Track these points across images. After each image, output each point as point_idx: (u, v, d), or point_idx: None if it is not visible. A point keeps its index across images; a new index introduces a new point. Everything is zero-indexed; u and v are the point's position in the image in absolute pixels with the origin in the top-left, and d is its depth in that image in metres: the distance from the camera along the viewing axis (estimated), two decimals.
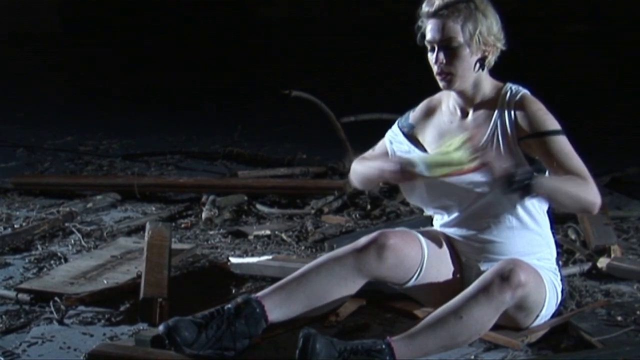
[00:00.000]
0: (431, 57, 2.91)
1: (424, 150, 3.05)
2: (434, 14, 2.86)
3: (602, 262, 3.58)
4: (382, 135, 3.23)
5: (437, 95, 3.10)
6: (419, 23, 2.93)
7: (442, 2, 2.86)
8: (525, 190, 2.74)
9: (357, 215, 4.43)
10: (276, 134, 6.49)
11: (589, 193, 2.81)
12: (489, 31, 2.87)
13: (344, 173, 5.10)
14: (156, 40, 11.91)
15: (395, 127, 3.16)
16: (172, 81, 9.06)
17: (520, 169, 2.75)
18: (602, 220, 3.92)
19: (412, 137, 3.10)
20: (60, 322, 3.16)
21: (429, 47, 2.91)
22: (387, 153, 3.15)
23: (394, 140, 3.13)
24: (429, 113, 3.09)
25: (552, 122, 2.88)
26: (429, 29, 2.88)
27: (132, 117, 7.25)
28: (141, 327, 3.09)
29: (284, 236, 4.10)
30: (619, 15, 11.96)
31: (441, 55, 2.87)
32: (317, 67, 9.68)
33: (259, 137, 6.34)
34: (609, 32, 11.49)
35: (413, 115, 3.13)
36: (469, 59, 2.88)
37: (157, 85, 8.81)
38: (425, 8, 2.89)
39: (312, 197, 4.69)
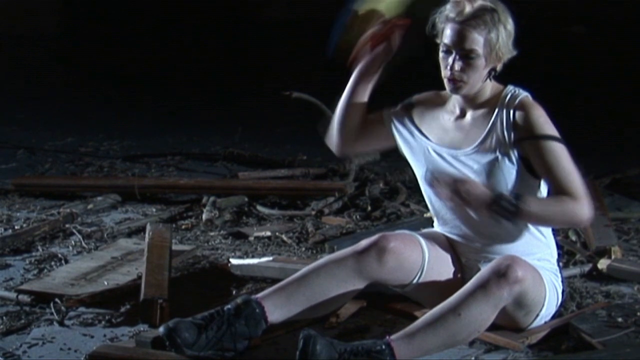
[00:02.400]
0: (445, 58, 2.88)
1: (423, 133, 3.05)
2: (461, 22, 2.83)
3: (603, 264, 3.58)
4: None
5: (444, 91, 3.09)
6: (437, 20, 2.90)
7: (471, 10, 2.82)
8: (510, 217, 2.80)
9: (358, 217, 4.43)
10: (277, 135, 6.49)
11: (577, 213, 2.83)
12: (506, 44, 2.86)
13: (345, 174, 5.10)
14: (157, 42, 11.90)
15: (398, 104, 3.15)
16: (172, 82, 9.06)
17: (504, 196, 2.80)
18: (602, 222, 3.92)
19: (410, 115, 3.10)
20: (61, 324, 3.16)
21: (443, 49, 2.88)
22: (376, 117, 3.15)
23: (393, 111, 3.12)
24: (433, 102, 3.07)
25: (551, 129, 2.88)
26: (450, 33, 2.84)
27: (132, 119, 7.24)
28: (142, 329, 3.09)
29: (284, 237, 4.10)
30: (619, 17, 11.95)
31: (457, 64, 2.85)
32: (317, 68, 9.67)
33: (260, 138, 6.33)
34: (609, 34, 11.48)
35: (417, 97, 3.11)
36: (482, 69, 2.87)
37: (158, 87, 8.81)
38: (450, 13, 2.85)
39: (312, 199, 4.69)
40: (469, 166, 2.93)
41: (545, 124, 2.88)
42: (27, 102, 8.07)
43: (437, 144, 3.01)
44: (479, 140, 2.92)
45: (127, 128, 6.76)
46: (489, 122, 2.93)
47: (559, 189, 2.85)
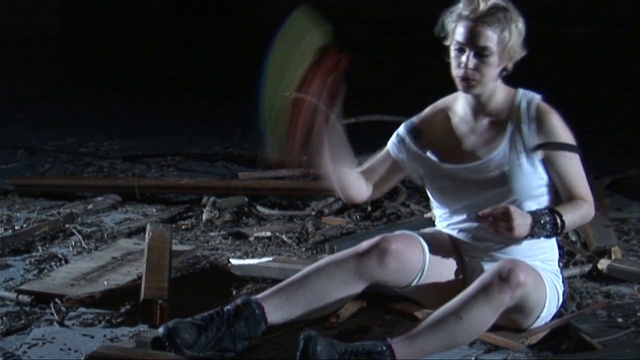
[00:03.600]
0: (457, 57, 2.87)
1: (437, 154, 3.03)
2: (476, 20, 2.83)
3: (603, 264, 3.58)
4: (383, 137, 3.22)
5: (440, 102, 3.08)
6: (447, 20, 2.90)
7: (485, 8, 2.82)
8: (550, 236, 2.90)
9: (358, 217, 4.42)
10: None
11: (591, 213, 2.95)
12: (517, 43, 2.87)
13: None
14: (157, 43, 11.92)
15: (402, 130, 3.12)
16: (172, 83, 9.06)
17: (541, 216, 2.83)
18: (603, 222, 3.92)
19: (420, 143, 3.08)
20: (61, 324, 3.16)
21: (456, 47, 2.87)
22: (385, 158, 3.14)
23: (398, 143, 3.11)
24: (437, 119, 3.06)
25: (567, 135, 2.92)
26: (463, 31, 2.84)
27: (132, 119, 7.24)
28: (142, 329, 3.09)
29: (284, 238, 4.10)
30: (619, 18, 11.95)
31: (471, 61, 2.84)
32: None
33: (260, 139, 6.32)
34: (610, 35, 11.49)
35: (419, 122, 3.09)
36: (495, 68, 2.87)
37: (158, 87, 8.81)
38: (464, 11, 2.85)
39: (312, 199, 4.68)
40: (492, 174, 2.93)
41: (562, 129, 2.91)
42: (28, 102, 8.07)
43: (454, 162, 2.99)
44: (500, 148, 2.92)
45: (128, 128, 6.76)
46: (507, 128, 2.93)
47: (573, 193, 2.93)
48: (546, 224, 2.83)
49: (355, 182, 3.09)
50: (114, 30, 12.58)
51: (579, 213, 2.90)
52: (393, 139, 3.14)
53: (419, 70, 9.04)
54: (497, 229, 2.80)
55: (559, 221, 2.84)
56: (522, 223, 2.80)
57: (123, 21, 12.91)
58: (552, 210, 2.87)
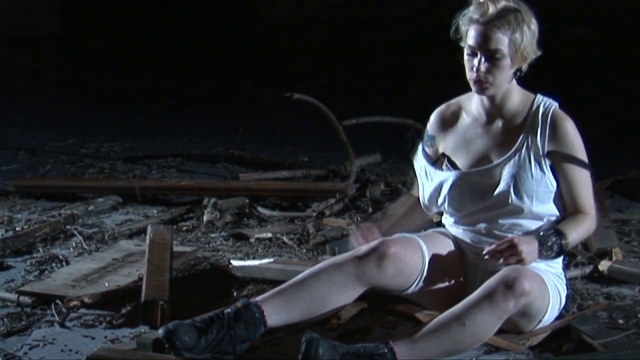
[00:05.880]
0: (469, 60, 2.88)
1: (451, 165, 3.02)
2: (485, 23, 2.83)
3: (604, 265, 3.58)
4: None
5: (454, 100, 3.08)
6: (460, 23, 2.91)
7: (495, 11, 2.83)
8: (558, 256, 2.95)
9: (359, 218, 4.42)
10: (278, 136, 6.48)
11: (592, 228, 2.99)
12: (530, 44, 2.87)
13: (345, 176, 5.10)
14: (158, 43, 11.90)
15: (419, 151, 3.13)
16: (173, 84, 9.06)
17: (547, 238, 2.87)
18: (603, 223, 3.92)
19: (435, 154, 3.08)
20: (62, 325, 3.16)
21: (468, 51, 2.88)
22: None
23: (418, 167, 3.13)
24: (448, 119, 3.06)
25: (582, 147, 2.94)
26: (474, 35, 2.85)
27: (133, 120, 7.24)
28: (143, 330, 3.09)
29: (285, 239, 4.10)
30: (620, 18, 11.95)
31: (483, 64, 2.85)
32: (318, 69, 9.67)
33: (261, 139, 6.33)
34: (610, 35, 11.48)
35: (430, 125, 3.10)
36: (508, 70, 2.87)
37: (159, 88, 8.81)
38: (474, 15, 2.85)
39: (313, 200, 4.68)
40: (501, 176, 2.93)
41: (575, 137, 2.93)
42: (28, 103, 8.07)
43: (465, 164, 3.00)
44: (511, 151, 2.93)
45: (128, 129, 6.76)
46: (521, 132, 2.93)
47: (576, 203, 2.96)
48: (553, 244, 2.87)
49: (414, 220, 3.21)
50: (114, 30, 12.57)
51: (582, 229, 2.95)
52: (416, 159, 3.15)
53: (419, 69, 9.04)
54: (507, 262, 2.83)
55: (563, 241, 2.89)
56: (529, 250, 2.83)
57: (123, 20, 12.90)
58: (557, 231, 2.89)
